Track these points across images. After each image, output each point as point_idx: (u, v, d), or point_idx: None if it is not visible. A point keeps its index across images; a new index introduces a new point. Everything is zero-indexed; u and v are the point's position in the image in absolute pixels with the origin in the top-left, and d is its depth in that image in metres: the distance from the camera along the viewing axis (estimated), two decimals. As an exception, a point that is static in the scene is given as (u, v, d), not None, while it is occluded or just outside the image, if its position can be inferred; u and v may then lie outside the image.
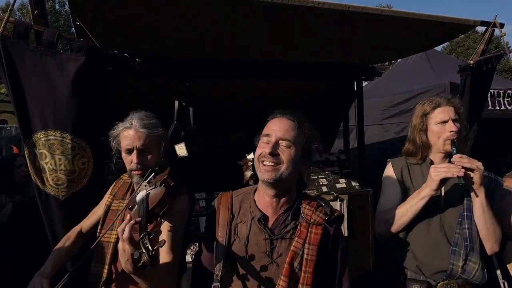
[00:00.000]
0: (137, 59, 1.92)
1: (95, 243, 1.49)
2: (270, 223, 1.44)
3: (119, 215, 1.63)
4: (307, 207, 1.45)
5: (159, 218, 1.56)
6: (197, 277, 1.58)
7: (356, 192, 3.47)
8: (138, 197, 1.49)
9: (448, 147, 1.84)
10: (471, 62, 2.54)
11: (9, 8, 1.83)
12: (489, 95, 4.65)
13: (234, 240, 1.44)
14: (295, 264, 1.37)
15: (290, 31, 2.61)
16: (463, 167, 1.70)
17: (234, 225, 1.47)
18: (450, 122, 1.84)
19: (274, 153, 1.37)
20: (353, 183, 3.61)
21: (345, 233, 3.39)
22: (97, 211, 1.89)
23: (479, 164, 1.71)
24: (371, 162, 4.27)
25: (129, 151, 1.68)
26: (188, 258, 2.97)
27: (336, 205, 3.42)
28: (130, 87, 3.22)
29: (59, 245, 1.80)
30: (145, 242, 1.21)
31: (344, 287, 1.47)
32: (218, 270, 1.39)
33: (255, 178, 3.48)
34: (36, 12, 1.82)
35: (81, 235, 1.89)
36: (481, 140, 4.86)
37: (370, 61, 3.57)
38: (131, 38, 2.57)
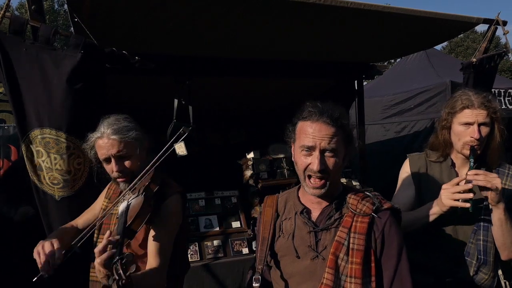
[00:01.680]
0: (136, 57, 1.88)
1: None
2: (314, 217, 1.38)
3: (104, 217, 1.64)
4: (353, 196, 1.37)
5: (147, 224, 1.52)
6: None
7: (357, 191, 3.43)
8: (120, 208, 1.47)
9: (466, 152, 1.70)
10: (474, 60, 2.51)
11: (5, 3, 1.79)
12: (490, 94, 4.64)
13: (278, 237, 1.41)
14: (341, 255, 1.27)
15: (290, 29, 2.58)
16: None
17: (279, 223, 1.43)
18: (475, 127, 1.67)
19: (321, 169, 1.28)
20: (354, 182, 3.59)
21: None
22: (92, 210, 1.86)
23: (496, 182, 1.53)
24: (372, 161, 4.25)
25: (107, 160, 1.63)
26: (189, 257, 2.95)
27: (336, 204, 3.40)
28: (129, 85, 3.19)
29: (53, 233, 1.73)
30: (117, 268, 1.17)
31: (400, 282, 1.28)
32: (259, 264, 1.37)
33: (254, 177, 3.47)
34: (33, 7, 1.78)
35: (75, 230, 1.80)
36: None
37: (372, 59, 3.55)
38: (129, 35, 2.54)
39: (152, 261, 1.50)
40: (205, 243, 3.07)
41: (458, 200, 1.56)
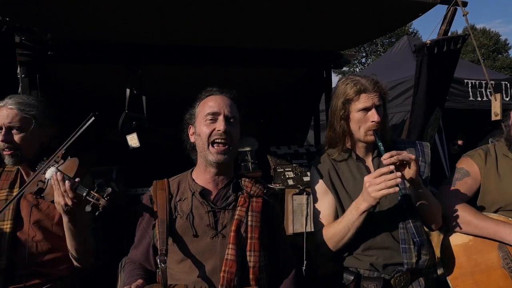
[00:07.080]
0: (48, 34, 1.78)
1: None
2: (211, 197, 1.50)
3: (9, 202, 1.55)
4: (247, 180, 1.56)
5: None
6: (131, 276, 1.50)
7: (323, 185, 3.29)
8: (48, 175, 1.51)
9: (370, 138, 1.69)
10: (429, 42, 2.37)
11: None
12: (470, 85, 4.50)
13: (175, 217, 1.47)
14: (241, 231, 1.43)
15: (251, 13, 2.44)
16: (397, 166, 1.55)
17: (173, 204, 1.50)
18: (373, 111, 1.65)
19: (227, 131, 1.42)
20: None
21: (311, 229, 3.23)
22: None
23: (410, 155, 1.55)
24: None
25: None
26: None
27: (302, 198, 3.26)
28: (82, 75, 3.07)
29: None
30: (91, 195, 1.35)
31: (286, 251, 1.61)
32: (162, 245, 1.40)
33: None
34: None
35: None
36: (462, 131, 4.69)
37: (335, 47, 3.41)
38: (72, 22, 2.42)
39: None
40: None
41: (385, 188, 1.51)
